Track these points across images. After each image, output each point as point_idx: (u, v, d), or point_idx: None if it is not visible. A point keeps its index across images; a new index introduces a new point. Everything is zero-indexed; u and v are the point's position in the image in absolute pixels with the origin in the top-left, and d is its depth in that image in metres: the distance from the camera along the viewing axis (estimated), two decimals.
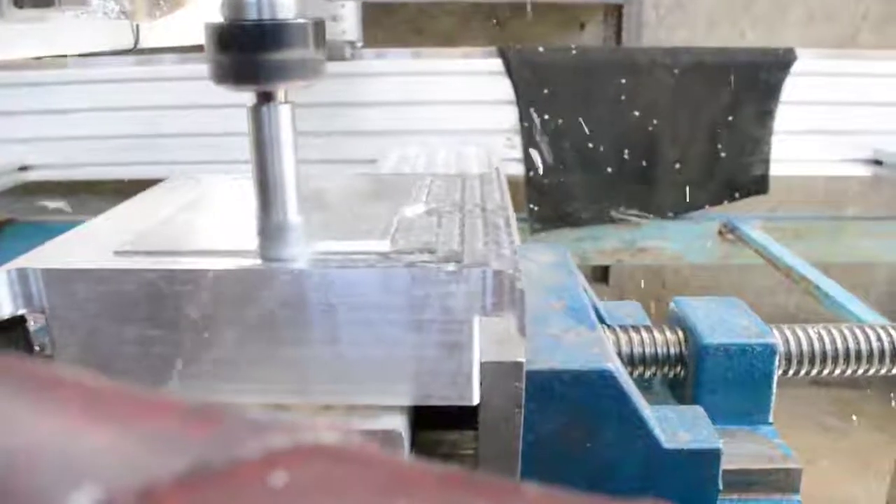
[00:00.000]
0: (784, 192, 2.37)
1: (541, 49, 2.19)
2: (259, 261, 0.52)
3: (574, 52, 2.18)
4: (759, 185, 2.26)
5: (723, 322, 0.69)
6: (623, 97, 2.17)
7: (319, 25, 0.51)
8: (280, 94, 0.51)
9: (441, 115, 2.19)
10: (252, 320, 0.51)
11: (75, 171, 2.25)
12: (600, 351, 0.57)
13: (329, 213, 0.63)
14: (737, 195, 2.28)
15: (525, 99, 2.16)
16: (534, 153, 2.19)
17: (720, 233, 2.34)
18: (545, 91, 2.16)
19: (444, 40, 3.22)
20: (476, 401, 0.52)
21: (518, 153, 2.22)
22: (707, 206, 2.30)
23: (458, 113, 2.20)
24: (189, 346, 0.52)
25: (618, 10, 3.22)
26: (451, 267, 0.49)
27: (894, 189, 2.37)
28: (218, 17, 0.50)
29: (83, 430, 0.21)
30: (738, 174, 2.25)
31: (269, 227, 0.54)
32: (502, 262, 0.49)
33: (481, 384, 0.52)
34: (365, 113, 2.21)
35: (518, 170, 2.21)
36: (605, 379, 0.55)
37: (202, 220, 0.64)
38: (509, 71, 2.16)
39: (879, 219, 2.45)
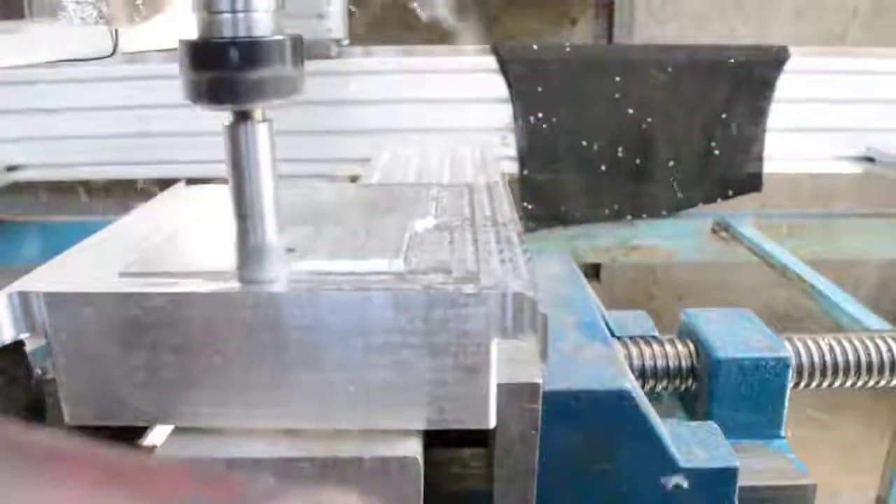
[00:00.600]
0: (772, 188, 2.37)
1: (535, 46, 2.18)
2: (270, 284, 0.51)
3: (568, 49, 2.17)
4: (753, 182, 2.26)
5: (734, 335, 0.68)
6: (617, 95, 2.16)
7: (297, 42, 0.49)
8: (257, 113, 0.50)
9: (431, 113, 2.18)
10: (260, 344, 0.50)
11: (64, 171, 2.22)
12: (617, 370, 0.56)
13: (338, 228, 0.62)
14: (730, 193, 2.27)
15: (519, 96, 2.15)
16: (528, 151, 2.18)
17: (713, 230, 2.34)
18: (539, 89, 2.15)
19: (436, 37, 3.20)
20: (493, 424, 0.51)
21: (512, 151, 2.21)
22: (700, 204, 2.30)
23: (448, 112, 2.19)
24: (197, 371, 0.51)
25: (609, 6, 3.21)
26: (469, 289, 0.48)
27: (886, 186, 2.37)
28: (192, 34, 0.48)
29: None
30: (731, 172, 2.25)
31: (248, 249, 0.52)
32: (522, 283, 0.48)
33: (497, 406, 0.51)
34: (352, 111, 2.19)
35: (512, 168, 2.20)
36: (622, 399, 0.54)
37: (208, 236, 0.63)
38: (503, 68, 2.14)
39: (871, 216, 2.45)
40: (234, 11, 0.47)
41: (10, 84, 2.12)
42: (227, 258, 0.54)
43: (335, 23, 2.14)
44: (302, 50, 0.51)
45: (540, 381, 0.51)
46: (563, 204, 2.23)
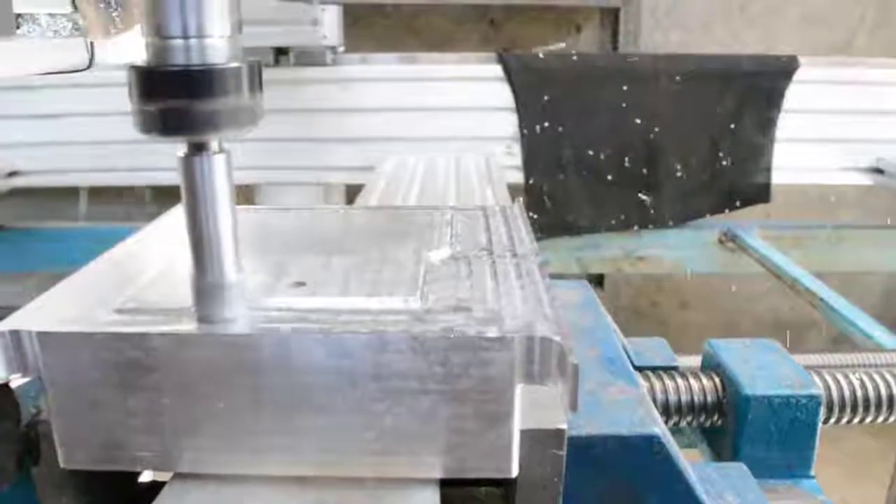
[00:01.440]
0: (780, 198, 2.35)
1: (541, 55, 2.15)
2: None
3: (575, 58, 2.14)
4: (761, 193, 2.23)
5: (762, 369, 0.65)
6: (624, 104, 2.13)
7: (254, 69, 0.46)
8: (213, 144, 0.46)
9: (430, 121, 2.15)
10: (266, 388, 0.47)
11: (66, 176, 2.19)
12: (645, 412, 0.53)
13: (349, 258, 0.59)
14: (738, 203, 2.25)
15: (524, 105, 2.12)
16: (533, 160, 2.15)
17: (720, 241, 2.31)
18: (545, 98, 2.12)
19: (439, 42, 3.18)
20: (515, 473, 0.48)
21: (517, 160, 2.18)
22: (708, 215, 2.27)
23: (450, 120, 2.16)
24: (199, 415, 0.48)
25: (614, 14, 3.18)
26: (492, 332, 0.45)
27: (894, 197, 2.35)
28: (142, 60, 0.44)
29: None
30: (739, 182, 2.22)
31: (205, 287, 0.49)
32: (550, 326, 0.45)
33: (519, 452, 0.48)
34: (347, 119, 2.16)
35: (517, 177, 2.17)
36: (651, 444, 0.51)
37: None
38: (509, 77, 2.12)
39: (879, 227, 2.42)
40: (186, 37, 0.43)
41: (11, 89, 2.10)
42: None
43: (330, 30, 2.12)
44: (261, 77, 0.47)
45: (565, 426, 0.48)
46: (568, 214, 2.21)
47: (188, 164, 0.46)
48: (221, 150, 0.47)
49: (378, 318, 0.47)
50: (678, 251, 2.33)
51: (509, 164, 2.16)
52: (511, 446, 0.47)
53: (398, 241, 0.62)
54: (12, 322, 0.49)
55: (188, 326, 0.47)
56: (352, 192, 2.42)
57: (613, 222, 2.24)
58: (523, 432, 0.47)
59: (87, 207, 2.60)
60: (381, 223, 0.69)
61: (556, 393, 0.44)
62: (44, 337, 0.48)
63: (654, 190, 2.21)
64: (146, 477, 0.60)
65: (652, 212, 2.24)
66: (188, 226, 0.48)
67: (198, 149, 0.46)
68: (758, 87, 2.15)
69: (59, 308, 0.52)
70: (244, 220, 0.71)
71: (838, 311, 1.78)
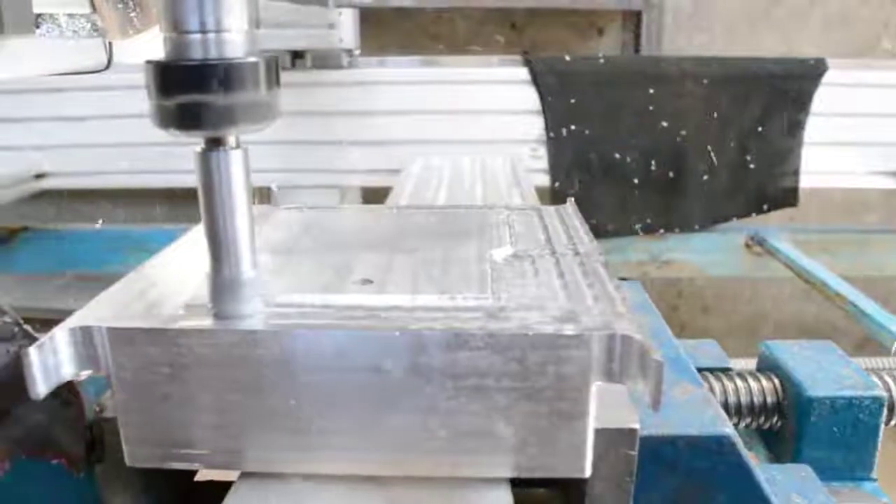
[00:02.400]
0: (802, 201, 2.33)
1: (567, 57, 2.14)
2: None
3: (601, 60, 2.13)
4: (789, 197, 2.21)
5: (822, 370, 0.64)
6: (651, 107, 2.12)
7: (271, 64, 0.46)
8: (230, 140, 0.46)
9: (452, 124, 2.15)
10: (344, 385, 0.46)
11: (92, 179, 2.20)
12: (715, 413, 0.52)
13: (410, 257, 0.58)
14: (765, 207, 2.23)
15: (551, 108, 2.12)
16: (559, 164, 2.15)
17: (747, 245, 2.29)
18: (572, 100, 2.11)
19: (461, 45, 3.17)
20: (588, 473, 0.47)
21: (542, 164, 2.17)
22: (735, 218, 2.25)
23: (469, 123, 2.16)
24: (272, 413, 0.48)
25: (637, 16, 3.17)
26: (570, 330, 0.44)
27: None
28: (159, 55, 0.44)
29: None
30: (767, 186, 2.21)
31: (221, 282, 0.49)
32: (630, 324, 0.45)
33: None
34: (365, 122, 2.16)
35: (543, 181, 2.17)
36: (722, 445, 0.50)
37: (285, 262, 0.59)
38: (535, 79, 2.11)
39: None
40: (204, 31, 0.43)
41: (39, 91, 2.11)
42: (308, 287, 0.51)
43: (346, 33, 2.12)
44: (278, 73, 0.47)
45: (638, 426, 0.48)
46: (594, 217, 2.19)
47: (205, 160, 0.46)
48: (238, 146, 0.47)
49: (452, 316, 0.47)
50: (704, 255, 2.32)
51: (535, 167, 2.16)
52: (585, 446, 0.47)
53: (458, 240, 0.62)
54: (81, 318, 0.49)
55: (260, 324, 0.47)
56: (367, 196, 2.43)
57: (639, 226, 2.23)
58: (597, 432, 0.47)
59: (119, 211, 2.62)
60: (437, 222, 0.69)
61: (639, 391, 0.43)
62: (114, 333, 0.48)
63: (680, 193, 2.19)
64: (201, 475, 0.60)
65: (678, 215, 2.23)
66: (204, 222, 0.48)
67: (215, 144, 0.46)
68: (786, 89, 2.14)
69: (124, 305, 0.52)
70: (296, 219, 0.71)
71: (870, 316, 1.76)
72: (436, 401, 0.46)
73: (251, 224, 0.49)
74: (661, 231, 2.24)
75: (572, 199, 0.73)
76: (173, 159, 2.12)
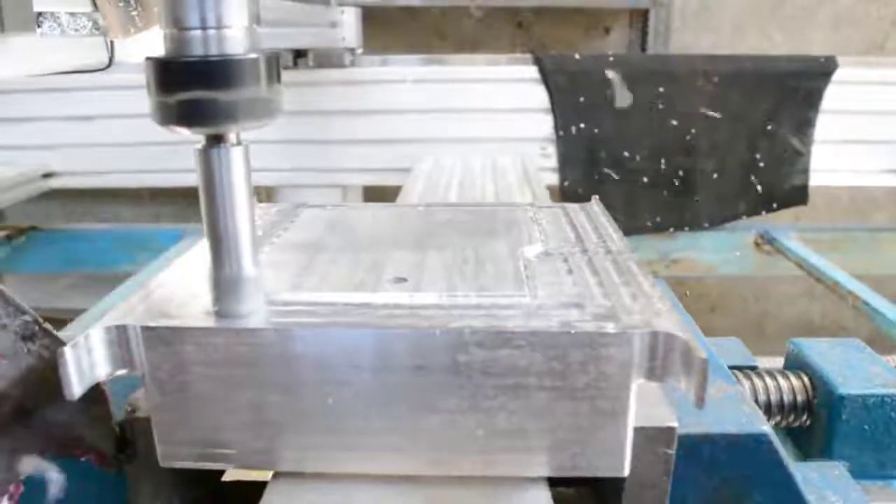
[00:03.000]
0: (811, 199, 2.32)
1: (577, 56, 2.14)
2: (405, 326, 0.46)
3: (611, 59, 2.13)
4: (798, 195, 2.21)
5: (852, 368, 0.64)
6: (661, 105, 2.12)
7: (272, 60, 0.46)
8: (231, 136, 0.46)
9: (455, 123, 2.14)
10: (383, 384, 0.46)
11: (101, 178, 2.20)
12: (751, 411, 0.52)
13: (442, 254, 0.58)
14: (775, 206, 2.23)
15: (561, 106, 2.11)
16: (568, 162, 2.14)
17: (756, 243, 2.29)
18: (581, 99, 2.11)
19: (468, 44, 3.17)
20: (627, 472, 0.47)
21: (552, 162, 2.17)
22: (744, 217, 2.25)
23: (477, 122, 2.15)
24: (308, 412, 0.47)
25: (644, 15, 3.16)
26: (611, 328, 0.44)
27: None
28: (160, 52, 0.44)
29: None
30: (776, 184, 2.20)
31: (223, 280, 0.49)
32: (671, 322, 0.44)
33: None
34: (368, 121, 2.16)
35: (552, 179, 2.16)
36: (760, 444, 0.50)
37: (315, 260, 0.59)
38: (544, 78, 2.11)
39: None
40: (204, 28, 0.43)
41: (45, 91, 2.11)
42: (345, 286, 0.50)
43: (349, 32, 2.11)
44: (279, 69, 0.47)
45: (676, 424, 0.48)
46: None
47: (206, 157, 0.46)
48: (239, 143, 0.46)
49: (491, 314, 0.47)
50: (713, 254, 2.31)
51: (544, 165, 2.15)
52: (625, 444, 0.46)
53: (488, 238, 0.61)
54: (115, 317, 0.49)
55: (295, 321, 0.47)
56: (369, 195, 2.42)
57: (649, 224, 2.22)
58: (636, 430, 0.47)
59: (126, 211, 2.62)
60: (465, 220, 0.68)
61: (683, 389, 0.43)
62: (149, 332, 0.47)
63: (689, 192, 2.19)
64: (229, 475, 0.60)
65: (687, 214, 2.22)
66: (205, 219, 0.47)
67: (216, 141, 0.46)
68: (795, 87, 2.13)
69: (157, 305, 0.51)
70: (323, 217, 0.71)
71: (882, 314, 1.75)
72: (476, 399, 0.46)
73: (252, 221, 0.48)
74: (671, 229, 2.24)
75: (597, 197, 0.73)
76: (182, 158, 2.12)
